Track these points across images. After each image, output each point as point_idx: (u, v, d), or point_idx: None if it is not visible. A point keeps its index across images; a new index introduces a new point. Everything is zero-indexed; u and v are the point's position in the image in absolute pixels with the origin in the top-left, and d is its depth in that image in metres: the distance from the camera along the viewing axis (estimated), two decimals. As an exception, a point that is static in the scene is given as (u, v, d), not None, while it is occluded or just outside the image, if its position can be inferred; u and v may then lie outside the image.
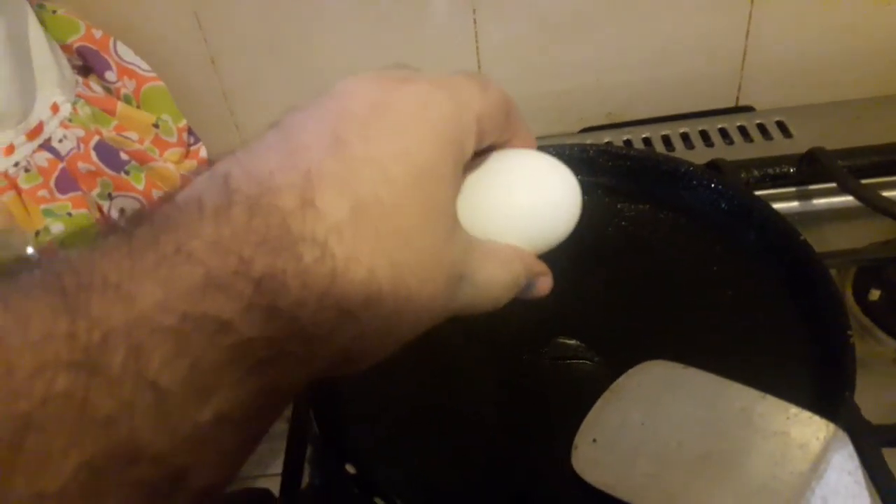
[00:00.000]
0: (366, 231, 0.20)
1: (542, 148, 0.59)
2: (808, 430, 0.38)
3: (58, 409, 0.16)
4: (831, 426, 0.37)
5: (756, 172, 0.62)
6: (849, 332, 0.41)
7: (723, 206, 0.52)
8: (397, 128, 0.22)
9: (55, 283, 0.18)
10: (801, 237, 0.47)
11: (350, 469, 0.39)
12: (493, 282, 0.27)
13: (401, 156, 0.22)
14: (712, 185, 0.52)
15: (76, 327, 0.17)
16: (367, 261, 0.20)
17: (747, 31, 0.72)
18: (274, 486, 0.44)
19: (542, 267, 0.31)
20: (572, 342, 0.46)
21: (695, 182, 0.53)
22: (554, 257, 0.54)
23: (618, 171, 0.55)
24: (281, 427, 0.46)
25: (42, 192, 0.56)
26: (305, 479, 0.44)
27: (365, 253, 0.20)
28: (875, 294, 0.54)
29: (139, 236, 0.19)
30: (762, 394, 0.40)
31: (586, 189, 0.57)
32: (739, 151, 0.68)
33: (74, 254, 0.19)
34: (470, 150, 0.25)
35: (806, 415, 0.38)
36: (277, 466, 0.45)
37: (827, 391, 0.41)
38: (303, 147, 0.21)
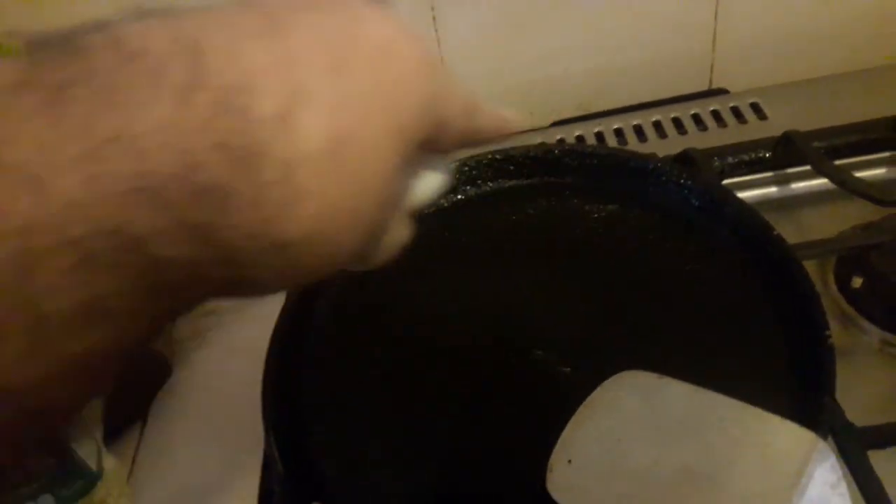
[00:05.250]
0: (332, 171, 0.18)
1: (508, 147, 0.56)
2: (788, 441, 0.36)
3: None
4: (813, 437, 0.36)
5: (731, 160, 0.60)
6: (827, 333, 0.39)
7: (694, 202, 0.50)
8: (399, 88, 0.20)
9: None
10: (775, 232, 0.45)
11: (316, 508, 0.38)
12: (390, 246, 0.25)
13: (392, 120, 0.20)
14: (682, 181, 0.50)
15: None
16: (319, 201, 0.18)
17: (716, 11, 0.70)
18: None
19: None
20: (543, 353, 0.45)
21: (664, 178, 0.51)
22: (523, 265, 0.52)
23: (585, 170, 0.53)
24: (252, 463, 0.45)
25: None
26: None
27: (321, 192, 0.18)
28: (857, 282, 0.52)
29: (74, 99, 0.15)
30: (741, 403, 0.38)
31: (553, 191, 0.57)
32: (714, 137, 0.66)
33: None
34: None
35: (787, 425, 0.37)
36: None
37: (807, 396, 0.39)
38: (298, 59, 0.18)
